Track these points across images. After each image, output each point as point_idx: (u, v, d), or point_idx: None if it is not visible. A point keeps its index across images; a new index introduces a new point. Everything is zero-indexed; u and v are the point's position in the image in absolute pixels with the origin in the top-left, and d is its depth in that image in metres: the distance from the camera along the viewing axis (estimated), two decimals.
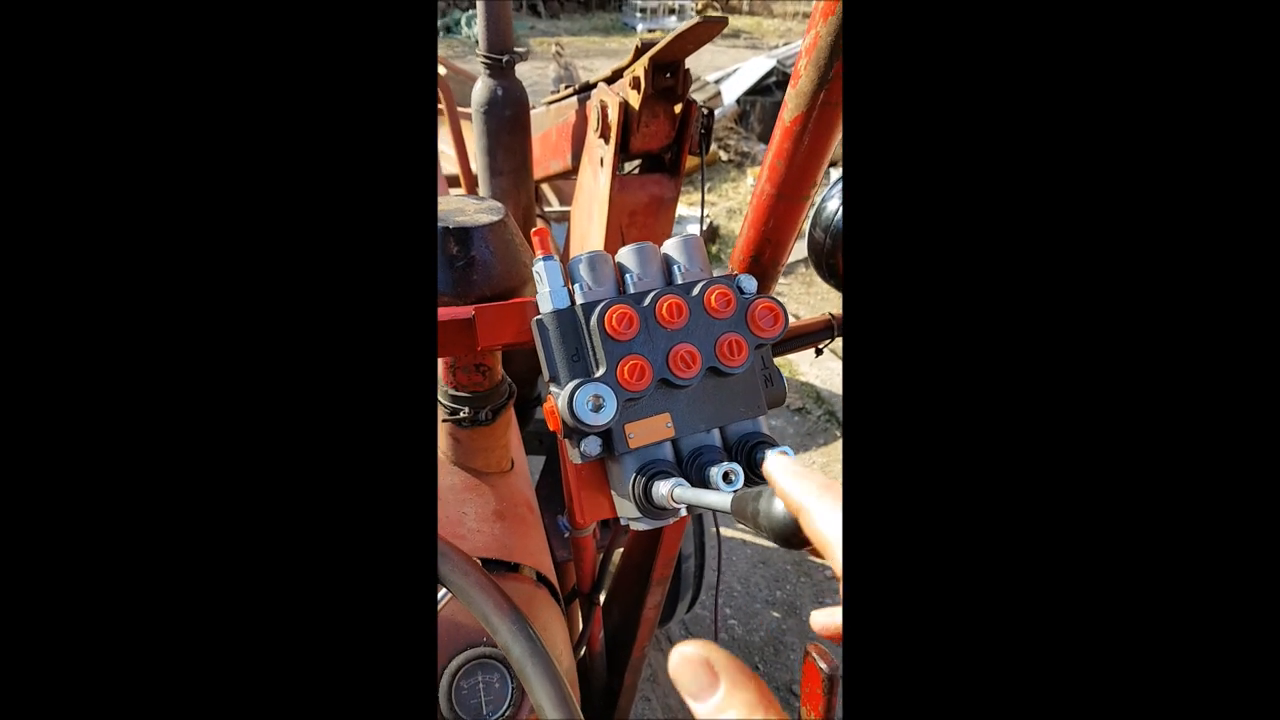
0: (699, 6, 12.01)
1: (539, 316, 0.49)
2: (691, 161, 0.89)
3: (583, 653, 1.05)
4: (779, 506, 0.29)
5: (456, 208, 0.61)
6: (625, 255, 0.52)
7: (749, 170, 4.85)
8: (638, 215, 0.89)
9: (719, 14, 0.81)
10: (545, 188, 1.87)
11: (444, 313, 0.54)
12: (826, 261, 0.71)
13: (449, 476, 0.67)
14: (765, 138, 5.18)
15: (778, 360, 0.60)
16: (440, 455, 0.69)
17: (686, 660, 0.28)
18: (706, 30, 0.67)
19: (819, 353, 0.85)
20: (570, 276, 0.51)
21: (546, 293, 0.49)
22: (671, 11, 12.00)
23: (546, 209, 1.94)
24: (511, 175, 1.07)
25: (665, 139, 0.84)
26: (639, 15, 12.05)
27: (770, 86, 5.37)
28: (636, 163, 0.96)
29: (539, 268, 0.50)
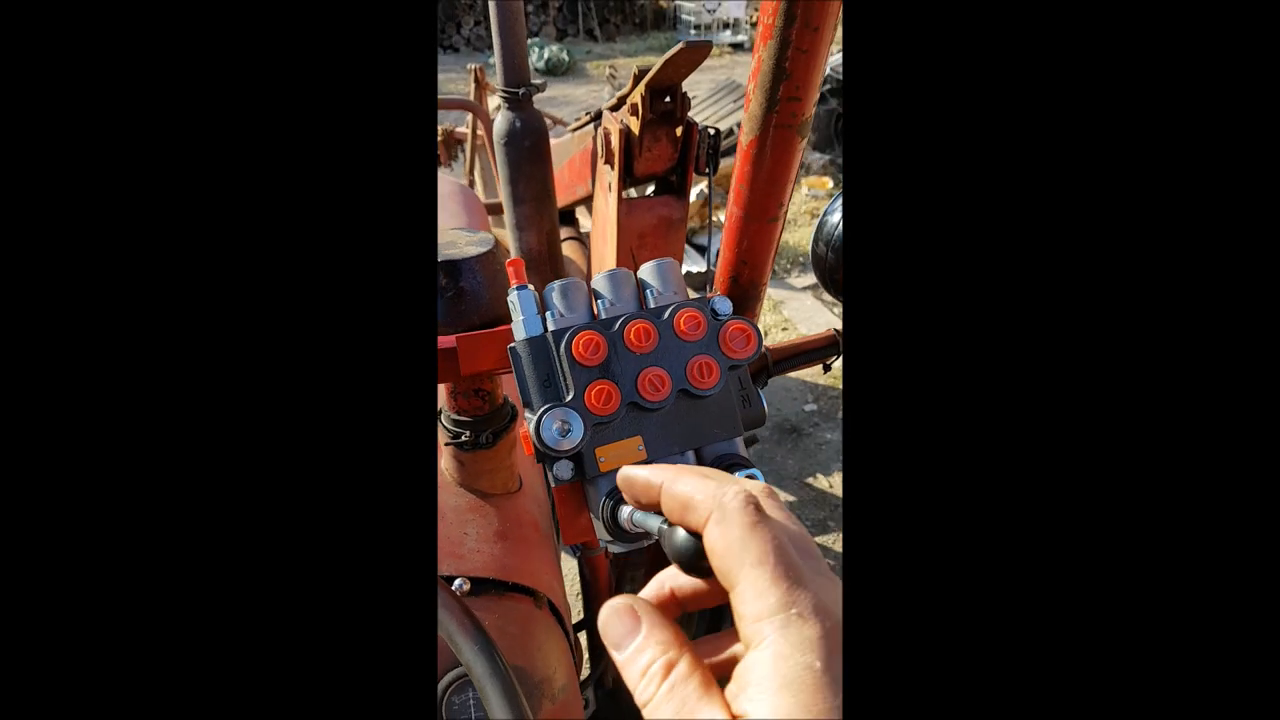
0: (752, 20, 11.99)
1: (512, 344, 0.51)
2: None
3: (609, 679, 1.06)
4: (679, 535, 0.29)
5: (448, 241, 0.64)
6: (599, 282, 0.53)
7: None
8: (647, 236, 0.90)
9: (704, 40, 0.81)
10: (582, 210, 1.91)
11: None
12: (830, 276, 0.70)
13: (453, 498, 0.70)
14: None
15: (793, 375, 0.60)
16: (445, 478, 0.71)
17: (613, 611, 0.30)
18: (691, 55, 0.68)
19: (826, 369, 0.83)
20: (544, 304, 0.52)
21: (520, 320, 0.51)
22: (726, 26, 12.03)
23: (584, 230, 1.97)
24: (533, 203, 1.11)
25: (669, 161, 0.85)
26: (693, 33, 12.14)
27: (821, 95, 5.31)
28: (652, 185, 0.97)
29: (513, 298, 0.52)
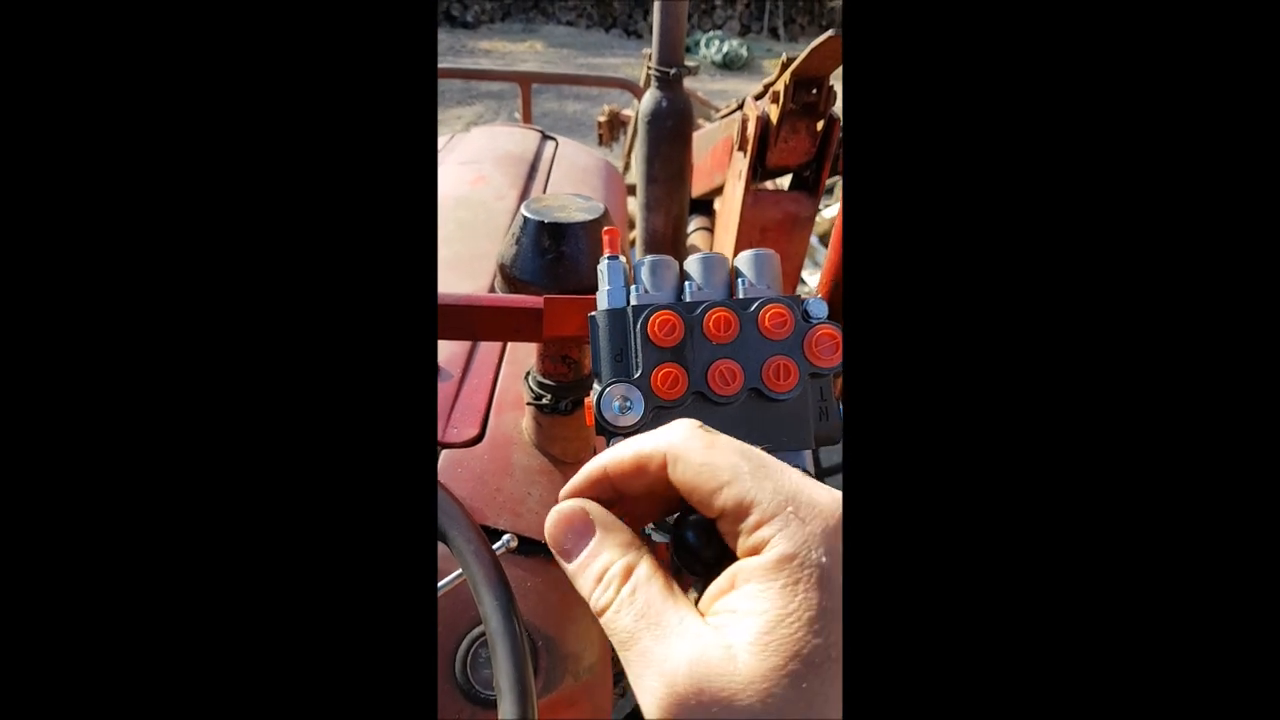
0: None
1: (593, 313, 0.50)
2: None
3: None
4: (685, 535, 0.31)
5: (560, 204, 0.64)
6: (691, 264, 0.52)
7: None
8: (770, 231, 0.87)
9: None
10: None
11: (518, 300, 0.57)
12: None
13: (524, 457, 0.71)
14: None
15: None
16: (521, 437, 0.72)
17: (561, 516, 0.28)
18: (838, 46, 0.64)
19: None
20: (634, 278, 0.51)
21: (605, 291, 0.50)
22: None
23: None
24: (665, 184, 1.10)
25: (804, 155, 0.81)
26: None
27: None
28: (788, 180, 0.93)
29: (602, 266, 0.51)
